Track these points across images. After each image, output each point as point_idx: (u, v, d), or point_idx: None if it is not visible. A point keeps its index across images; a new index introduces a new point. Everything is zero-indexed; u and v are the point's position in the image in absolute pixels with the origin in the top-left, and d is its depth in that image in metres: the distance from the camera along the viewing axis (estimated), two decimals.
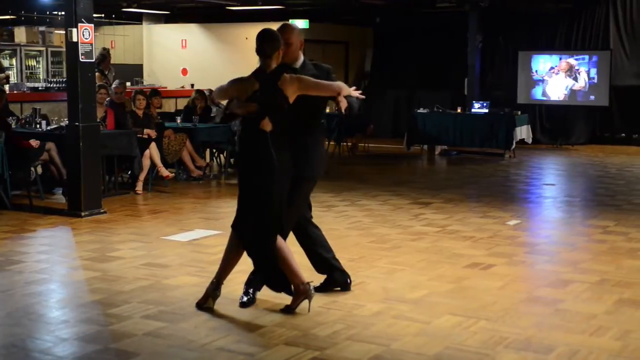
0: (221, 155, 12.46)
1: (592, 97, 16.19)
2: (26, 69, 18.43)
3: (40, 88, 14.90)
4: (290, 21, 17.89)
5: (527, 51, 16.77)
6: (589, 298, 5.52)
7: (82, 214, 8.39)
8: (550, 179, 12.42)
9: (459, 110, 15.18)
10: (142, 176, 10.11)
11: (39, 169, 9.78)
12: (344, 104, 4.99)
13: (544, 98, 16.64)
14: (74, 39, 8.32)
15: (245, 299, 5.28)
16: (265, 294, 5.45)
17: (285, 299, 5.17)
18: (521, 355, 4.39)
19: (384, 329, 4.80)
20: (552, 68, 16.49)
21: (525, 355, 4.39)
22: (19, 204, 9.05)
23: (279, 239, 5.06)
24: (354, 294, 5.57)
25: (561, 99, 16.52)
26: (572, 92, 16.34)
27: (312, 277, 5.44)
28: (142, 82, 18.08)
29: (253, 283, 5.33)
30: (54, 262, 6.56)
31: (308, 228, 5.52)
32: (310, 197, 5.52)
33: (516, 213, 8.86)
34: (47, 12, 18.54)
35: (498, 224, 8.18)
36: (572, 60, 16.32)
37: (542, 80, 16.51)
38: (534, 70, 16.57)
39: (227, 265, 5.21)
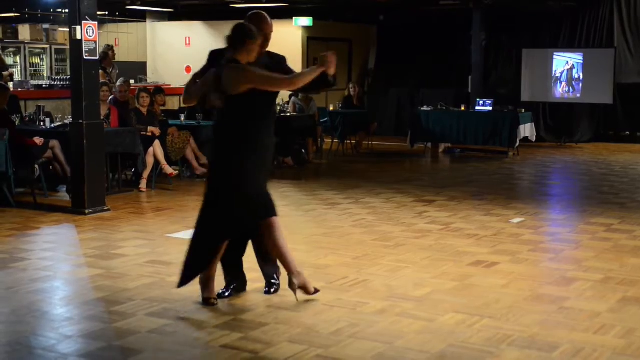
0: None
1: (596, 95, 16.16)
2: (30, 67, 18.45)
3: (44, 86, 14.91)
4: (294, 19, 17.99)
5: (531, 49, 16.74)
6: (593, 296, 5.52)
7: (86, 211, 8.40)
8: (554, 177, 12.41)
9: (462, 108, 15.16)
10: (145, 174, 10.12)
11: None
12: None
13: (548, 96, 16.62)
14: (78, 37, 8.32)
15: (227, 293, 5.39)
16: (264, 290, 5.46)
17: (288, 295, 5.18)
18: (525, 353, 4.38)
19: (388, 327, 4.80)
20: (556, 66, 16.45)
21: (529, 353, 4.39)
22: (23, 201, 9.07)
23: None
24: (357, 291, 5.57)
25: (565, 96, 16.50)
26: (576, 90, 16.31)
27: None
28: (146, 80, 18.09)
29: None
30: (58, 259, 6.57)
31: None
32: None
33: (520, 211, 8.85)
34: (51, 10, 18.56)
35: (502, 222, 8.17)
36: (576, 58, 16.30)
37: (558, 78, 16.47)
38: (554, 69, 16.46)
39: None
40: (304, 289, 5.23)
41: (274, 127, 5.20)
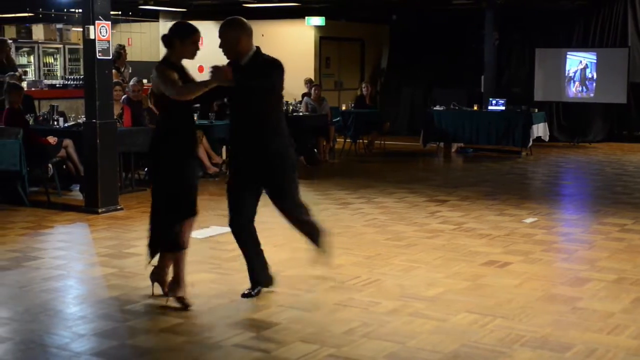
0: None
1: (609, 95, 16.08)
2: (44, 66, 18.52)
3: (57, 85, 14.98)
4: (307, 18, 17.98)
5: (544, 48, 16.68)
6: (606, 296, 5.49)
7: (99, 210, 8.43)
8: (567, 177, 12.36)
9: (475, 108, 15.12)
10: None
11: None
12: None
13: (561, 95, 16.56)
14: (91, 37, 8.35)
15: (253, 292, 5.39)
16: (280, 290, 5.46)
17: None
18: (537, 354, 4.37)
19: (400, 327, 4.80)
20: (570, 65, 16.39)
21: (542, 353, 4.37)
22: (37, 200, 9.10)
23: None
24: (370, 291, 5.57)
25: (578, 96, 16.44)
26: (590, 90, 16.24)
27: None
28: None
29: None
30: (72, 258, 6.60)
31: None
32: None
33: (533, 211, 8.81)
34: (65, 10, 18.62)
35: (515, 222, 8.15)
36: (589, 57, 16.23)
37: (572, 78, 16.39)
38: (567, 69, 16.38)
39: None
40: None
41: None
